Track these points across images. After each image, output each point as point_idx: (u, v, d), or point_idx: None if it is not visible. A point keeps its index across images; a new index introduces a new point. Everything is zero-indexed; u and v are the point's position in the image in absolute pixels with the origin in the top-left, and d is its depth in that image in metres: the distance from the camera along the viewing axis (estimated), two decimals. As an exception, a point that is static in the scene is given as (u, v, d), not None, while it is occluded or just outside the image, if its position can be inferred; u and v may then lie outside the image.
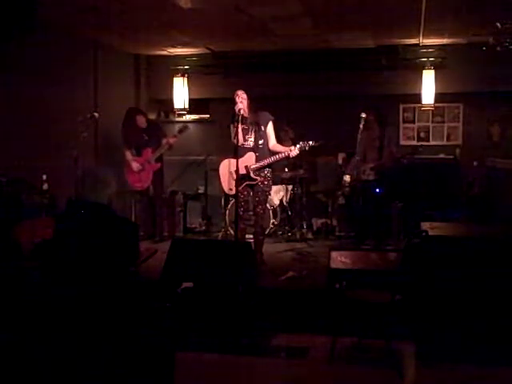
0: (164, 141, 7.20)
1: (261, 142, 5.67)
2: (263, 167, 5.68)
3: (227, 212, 7.31)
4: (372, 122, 6.53)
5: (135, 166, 7.16)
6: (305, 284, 5.31)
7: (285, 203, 7.66)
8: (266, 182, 5.74)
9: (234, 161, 5.58)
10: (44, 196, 5.88)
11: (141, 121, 7.23)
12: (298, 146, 5.56)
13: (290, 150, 5.57)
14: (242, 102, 5.55)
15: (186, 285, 4.71)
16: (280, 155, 5.64)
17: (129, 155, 7.23)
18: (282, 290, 5.12)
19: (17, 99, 6.09)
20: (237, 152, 5.12)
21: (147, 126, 7.29)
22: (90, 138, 6.65)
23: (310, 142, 5.55)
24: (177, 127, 8.64)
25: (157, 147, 7.17)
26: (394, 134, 6.83)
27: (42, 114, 6.43)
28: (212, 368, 4.02)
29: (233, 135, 5.58)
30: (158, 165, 7.23)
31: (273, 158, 5.66)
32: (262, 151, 5.67)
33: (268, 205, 7.24)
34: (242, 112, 5.46)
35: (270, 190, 5.96)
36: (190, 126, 8.76)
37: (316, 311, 4.75)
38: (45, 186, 5.96)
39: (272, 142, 5.75)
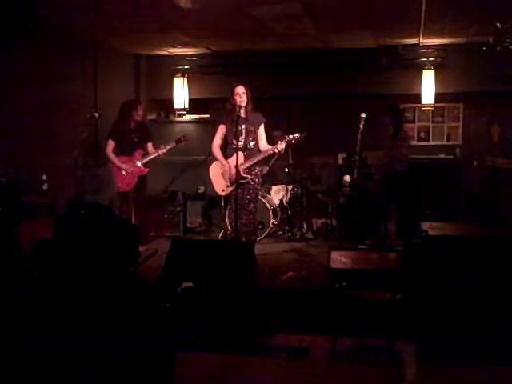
0: (161, 146, 6.80)
1: (252, 143, 5.71)
2: (253, 165, 5.70)
3: (227, 212, 7.30)
4: (387, 124, 6.51)
5: (125, 167, 6.66)
6: (305, 284, 5.31)
7: (285, 203, 7.66)
8: (256, 180, 5.79)
9: (224, 162, 5.76)
10: (44, 196, 5.89)
11: (138, 113, 6.80)
12: (284, 139, 5.61)
13: (278, 145, 5.61)
14: (241, 100, 5.57)
15: (186, 285, 4.71)
16: (268, 151, 5.69)
17: (111, 154, 6.70)
18: (282, 290, 5.12)
19: (17, 99, 6.09)
20: (240, 152, 5.13)
21: (136, 127, 6.85)
22: (90, 137, 6.64)
23: (296, 135, 5.63)
24: (177, 128, 8.66)
25: (144, 149, 6.81)
26: (406, 142, 6.79)
27: (42, 114, 6.42)
28: (212, 368, 4.01)
29: (219, 135, 5.81)
30: (146, 170, 6.79)
31: (262, 156, 5.71)
32: (251, 152, 5.70)
33: (268, 205, 7.26)
34: (241, 112, 5.49)
35: (261, 188, 6.03)
36: (190, 126, 8.78)
37: (316, 311, 4.75)
38: (45, 186, 5.95)
39: (263, 143, 5.79)
